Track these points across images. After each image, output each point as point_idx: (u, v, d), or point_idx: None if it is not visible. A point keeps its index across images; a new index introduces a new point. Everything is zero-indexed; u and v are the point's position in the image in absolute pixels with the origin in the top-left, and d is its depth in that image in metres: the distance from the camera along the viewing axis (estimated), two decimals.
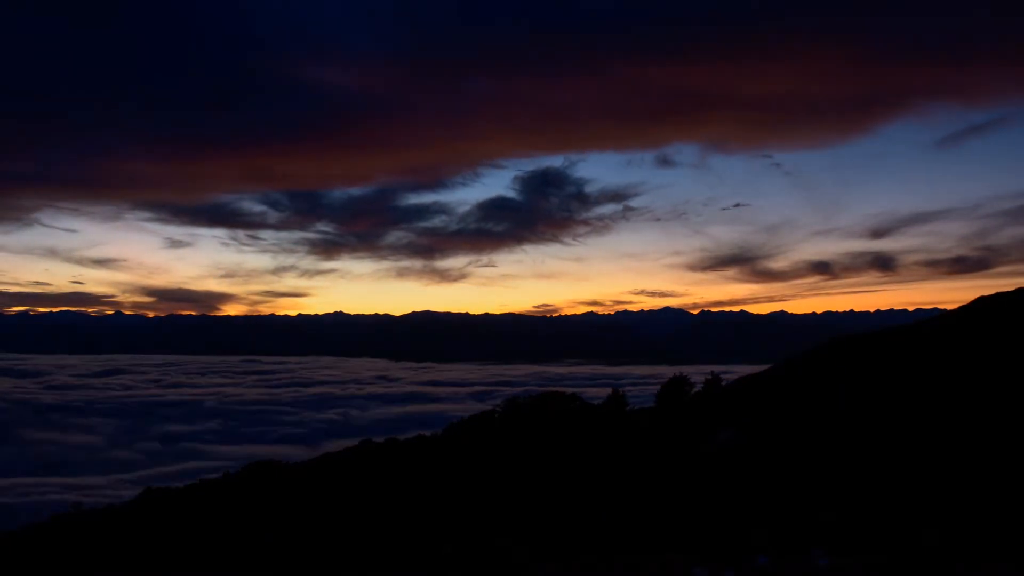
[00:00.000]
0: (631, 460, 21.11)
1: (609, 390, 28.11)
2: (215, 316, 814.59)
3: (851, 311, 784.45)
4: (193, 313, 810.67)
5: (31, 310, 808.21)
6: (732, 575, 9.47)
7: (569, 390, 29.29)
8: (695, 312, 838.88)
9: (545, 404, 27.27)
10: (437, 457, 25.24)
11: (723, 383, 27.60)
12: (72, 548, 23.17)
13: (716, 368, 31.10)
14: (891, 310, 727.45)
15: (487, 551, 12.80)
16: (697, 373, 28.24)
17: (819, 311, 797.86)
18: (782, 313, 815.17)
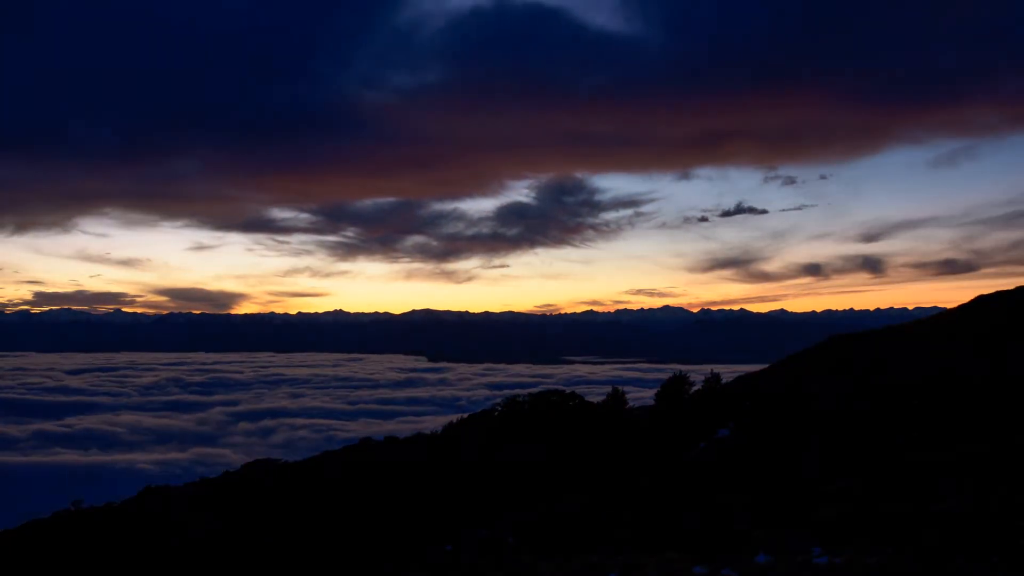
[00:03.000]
0: (631, 459, 21.12)
1: (608, 388, 28.12)
2: (213, 315, 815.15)
3: (851, 309, 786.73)
4: (195, 312, 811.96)
5: (30, 308, 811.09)
6: (731, 573, 9.48)
7: (568, 388, 29.28)
8: (695, 311, 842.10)
9: (544, 403, 27.26)
10: (437, 456, 25.24)
11: (723, 382, 27.60)
12: (71, 547, 23.15)
13: (716, 367, 31.12)
14: (891, 309, 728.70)
15: (488, 550, 12.81)
16: (697, 371, 28.24)
17: (819, 310, 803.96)
18: (782, 312, 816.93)
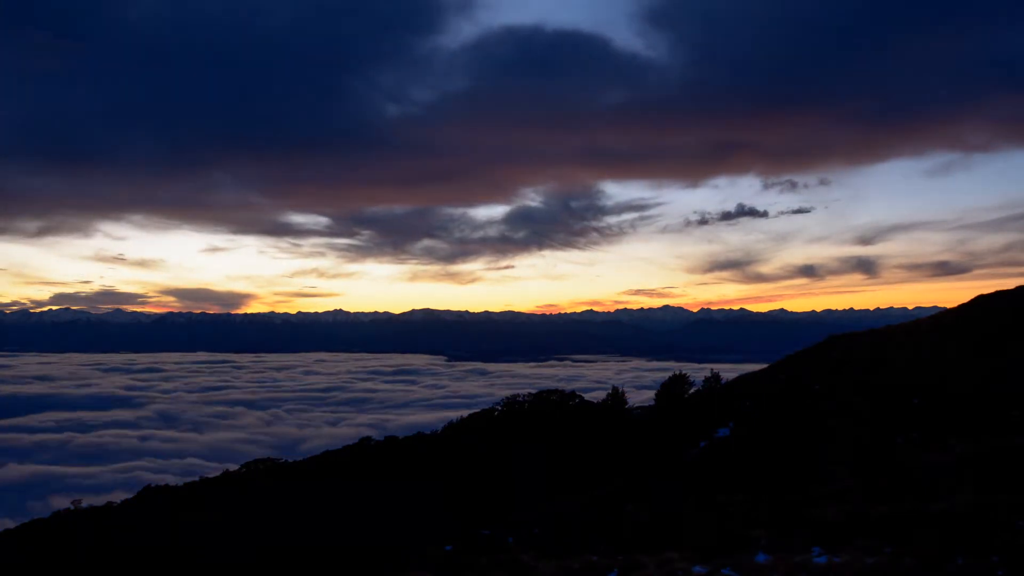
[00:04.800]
0: (631, 459, 21.11)
1: (608, 388, 28.12)
2: (213, 315, 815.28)
3: (851, 309, 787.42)
4: (195, 311, 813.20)
5: (29, 308, 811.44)
6: (731, 573, 9.48)
7: (568, 388, 29.28)
8: (695, 310, 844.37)
9: (544, 403, 27.25)
10: (436, 456, 25.23)
11: (723, 382, 27.60)
12: (71, 546, 23.15)
13: (716, 366, 31.11)
14: (891, 308, 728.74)
15: (488, 550, 12.82)
16: (697, 371, 28.24)
17: (819, 309, 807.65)
18: (782, 311, 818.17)
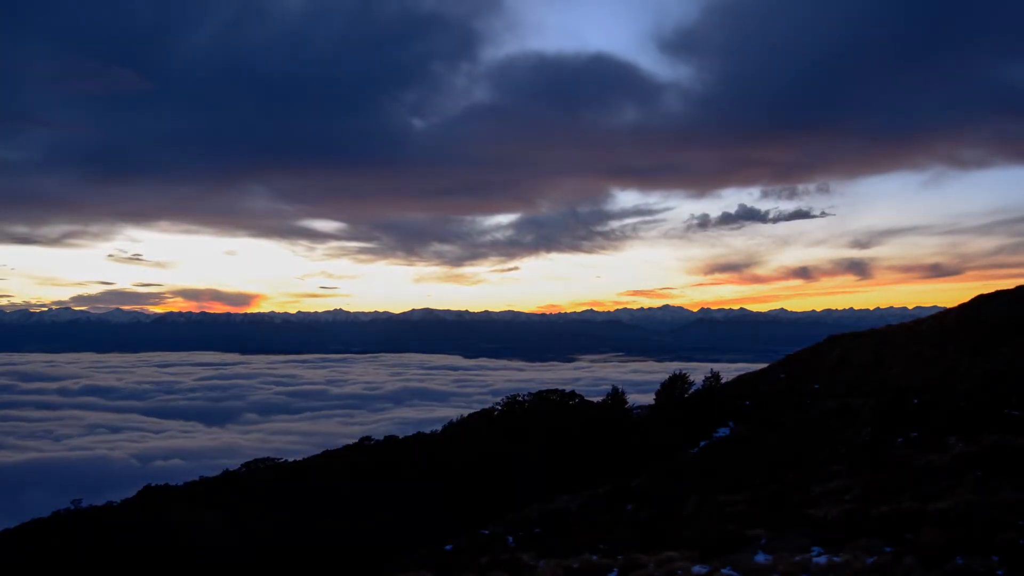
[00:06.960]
0: (630, 458, 21.11)
1: (608, 388, 28.12)
2: (214, 314, 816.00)
3: (851, 309, 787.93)
4: (194, 311, 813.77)
5: (29, 308, 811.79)
6: (731, 573, 9.49)
7: (568, 388, 29.26)
8: (695, 310, 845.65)
9: (544, 403, 27.24)
10: (436, 455, 25.22)
11: (723, 381, 27.62)
12: (71, 545, 23.13)
13: (716, 366, 31.13)
14: (891, 308, 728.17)
15: (487, 549, 12.82)
16: (697, 371, 28.24)
17: (818, 309, 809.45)
18: (781, 311, 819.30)
